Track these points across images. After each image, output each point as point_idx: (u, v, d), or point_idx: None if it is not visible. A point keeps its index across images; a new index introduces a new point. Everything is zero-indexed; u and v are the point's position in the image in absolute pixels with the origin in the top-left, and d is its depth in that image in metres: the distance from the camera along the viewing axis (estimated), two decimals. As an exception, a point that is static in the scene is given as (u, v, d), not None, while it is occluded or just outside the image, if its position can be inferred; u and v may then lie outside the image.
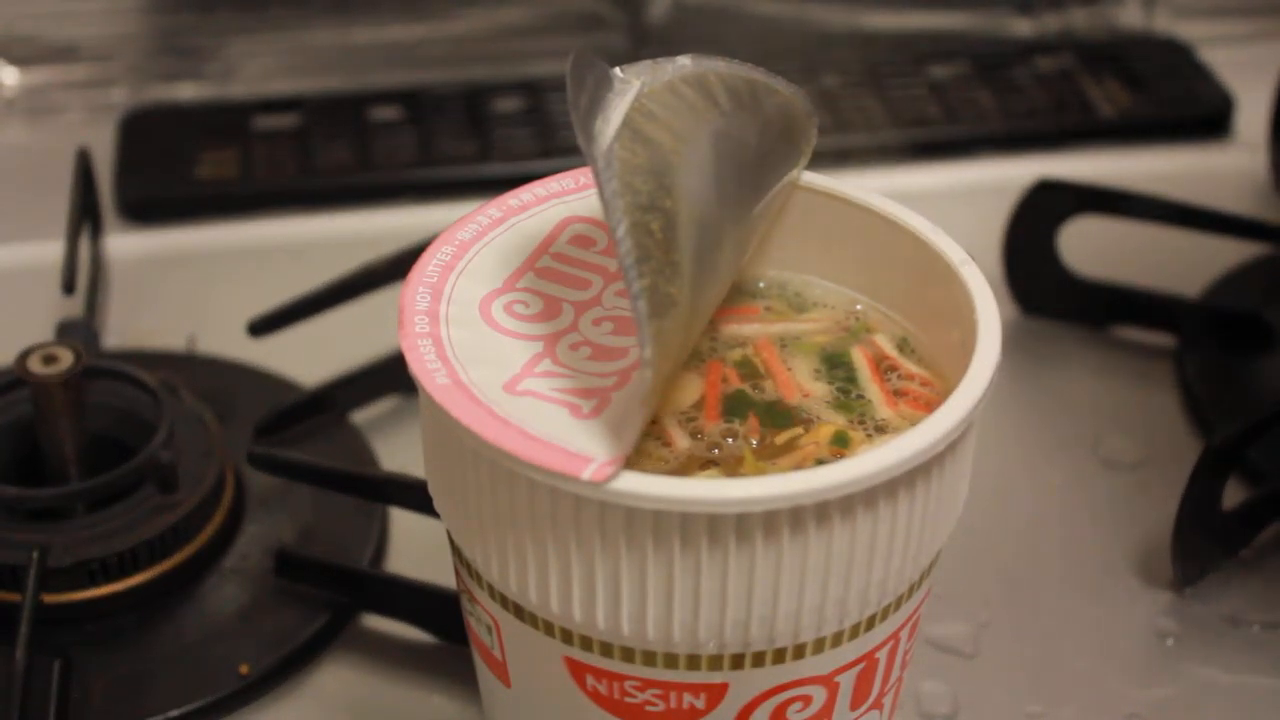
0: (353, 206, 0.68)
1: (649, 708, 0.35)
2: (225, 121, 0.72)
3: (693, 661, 0.34)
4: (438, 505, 0.37)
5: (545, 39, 0.80)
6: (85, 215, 0.63)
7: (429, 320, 0.35)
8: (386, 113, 0.72)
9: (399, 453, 0.54)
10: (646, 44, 0.80)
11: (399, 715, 0.46)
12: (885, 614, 0.35)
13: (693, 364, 0.37)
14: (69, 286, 0.58)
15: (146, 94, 0.76)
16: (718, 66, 0.37)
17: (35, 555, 0.46)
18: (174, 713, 0.45)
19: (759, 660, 0.34)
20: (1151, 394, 0.58)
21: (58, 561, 0.46)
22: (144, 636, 0.47)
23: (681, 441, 0.35)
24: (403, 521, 0.51)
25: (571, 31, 0.80)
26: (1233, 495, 0.50)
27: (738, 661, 0.34)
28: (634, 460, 0.34)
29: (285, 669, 0.47)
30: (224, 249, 0.66)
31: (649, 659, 0.34)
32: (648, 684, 0.35)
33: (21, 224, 0.66)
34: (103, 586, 0.47)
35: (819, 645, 0.34)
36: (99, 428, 0.50)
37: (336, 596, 0.48)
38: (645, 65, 0.35)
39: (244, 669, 0.46)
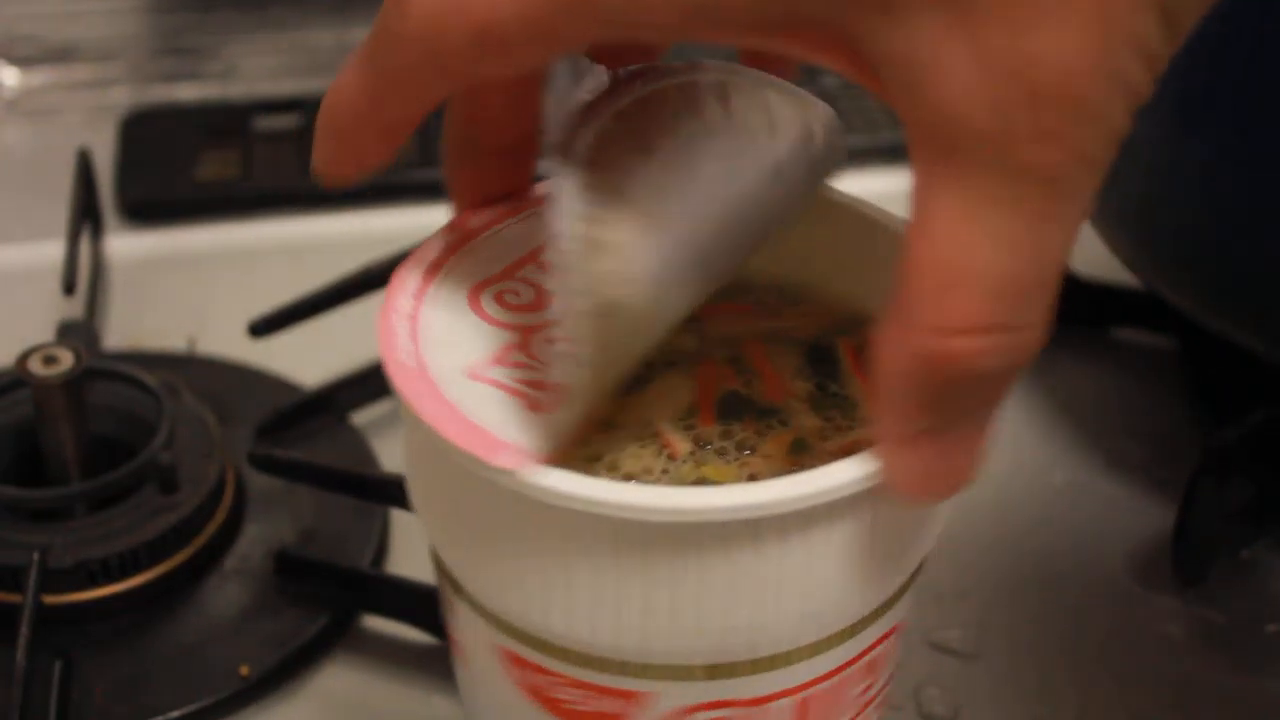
0: (352, 206, 0.68)
1: (574, 706, 0.35)
2: (225, 122, 0.72)
3: (617, 666, 0.33)
4: (407, 477, 0.37)
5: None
6: (85, 216, 0.63)
7: (413, 300, 0.35)
8: (386, 113, 0.72)
9: (399, 453, 0.54)
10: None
11: (399, 715, 0.46)
12: (827, 645, 0.34)
13: (684, 365, 0.37)
14: (69, 287, 0.58)
15: (146, 94, 0.76)
16: (727, 76, 0.36)
17: (36, 556, 0.46)
18: (175, 713, 0.45)
19: (683, 674, 0.33)
20: (1153, 395, 0.58)
21: (58, 562, 0.46)
22: (145, 637, 0.47)
23: (683, 446, 0.35)
24: (403, 522, 0.51)
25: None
26: (1234, 497, 0.50)
27: (661, 672, 0.33)
28: (635, 469, 0.34)
29: (286, 670, 0.47)
30: (224, 249, 0.66)
31: (571, 657, 0.34)
32: (572, 682, 0.34)
33: (22, 224, 0.66)
34: (103, 587, 0.47)
35: (751, 667, 0.33)
36: (100, 429, 0.50)
37: (337, 597, 0.48)
38: (649, 69, 0.35)
39: (245, 670, 0.46)
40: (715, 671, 0.33)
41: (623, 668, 0.33)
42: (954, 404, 0.29)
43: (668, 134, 0.34)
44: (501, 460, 0.31)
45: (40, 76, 0.77)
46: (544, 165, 0.33)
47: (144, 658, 0.46)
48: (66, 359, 0.49)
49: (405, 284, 0.35)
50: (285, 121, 0.72)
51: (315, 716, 0.46)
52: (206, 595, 0.48)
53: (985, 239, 0.27)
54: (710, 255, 0.34)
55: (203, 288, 0.64)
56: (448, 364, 0.34)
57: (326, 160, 0.33)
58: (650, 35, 0.29)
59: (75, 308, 0.59)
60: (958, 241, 0.27)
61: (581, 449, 0.34)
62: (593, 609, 0.32)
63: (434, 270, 0.36)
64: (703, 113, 0.35)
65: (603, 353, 0.32)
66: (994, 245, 0.27)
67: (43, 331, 0.57)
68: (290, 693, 0.47)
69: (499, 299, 0.36)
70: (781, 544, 0.31)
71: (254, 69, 0.78)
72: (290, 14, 0.81)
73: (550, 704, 0.35)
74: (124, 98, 0.76)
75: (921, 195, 0.27)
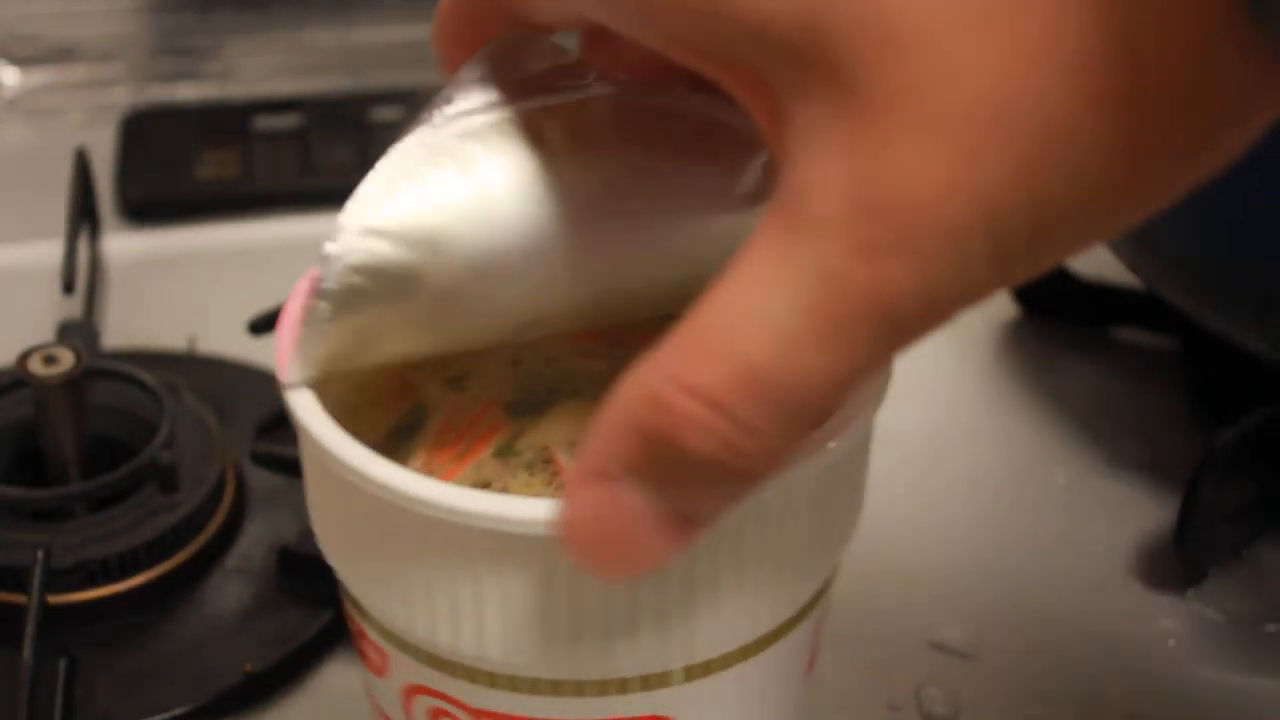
0: (353, 206, 0.68)
1: (361, 646, 0.35)
2: (225, 121, 0.72)
3: (362, 614, 0.34)
4: None
5: (545, 39, 0.80)
6: (83, 215, 0.63)
7: None
8: (386, 113, 0.72)
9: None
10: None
11: (400, 716, 0.46)
12: (547, 690, 0.32)
13: (590, 392, 0.36)
14: (69, 286, 0.58)
15: (146, 94, 0.76)
16: (731, 116, 0.33)
17: (41, 554, 0.46)
18: (179, 711, 0.45)
19: (411, 651, 0.33)
20: (1153, 395, 0.58)
21: (58, 562, 0.46)
22: (148, 636, 0.47)
23: (571, 466, 0.34)
24: (403, 522, 0.51)
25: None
26: (1235, 496, 0.50)
27: (394, 641, 0.33)
28: (514, 484, 0.34)
29: (289, 666, 0.47)
30: (224, 249, 0.66)
31: (345, 594, 0.34)
32: (351, 619, 0.35)
33: (22, 224, 0.66)
34: (104, 587, 0.47)
35: (467, 674, 0.32)
36: (100, 428, 0.50)
37: (340, 594, 0.48)
38: (650, 85, 0.33)
39: (248, 667, 0.46)
40: (433, 661, 0.33)
41: (365, 618, 0.34)
42: (647, 464, 0.26)
43: (605, 143, 0.32)
44: (282, 371, 0.32)
45: (40, 76, 0.77)
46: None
47: (147, 656, 0.46)
48: (67, 359, 0.48)
49: None
50: (285, 121, 0.72)
51: (319, 713, 0.46)
52: (209, 594, 0.48)
53: (767, 321, 0.25)
54: (590, 282, 0.33)
55: (203, 287, 0.64)
56: None
57: (440, 62, 0.33)
58: (615, 25, 0.28)
59: (75, 307, 0.59)
60: (743, 307, 0.25)
61: (473, 473, 0.34)
62: (343, 553, 0.33)
63: None
64: (664, 141, 0.32)
65: (352, 304, 0.31)
66: (770, 332, 0.25)
67: (43, 331, 0.57)
68: (294, 690, 0.47)
69: None
70: (471, 554, 0.30)
71: (254, 69, 0.78)
72: (290, 14, 0.82)
73: (355, 637, 0.36)
74: (124, 98, 0.76)
75: (750, 250, 0.25)
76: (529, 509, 0.29)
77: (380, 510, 0.31)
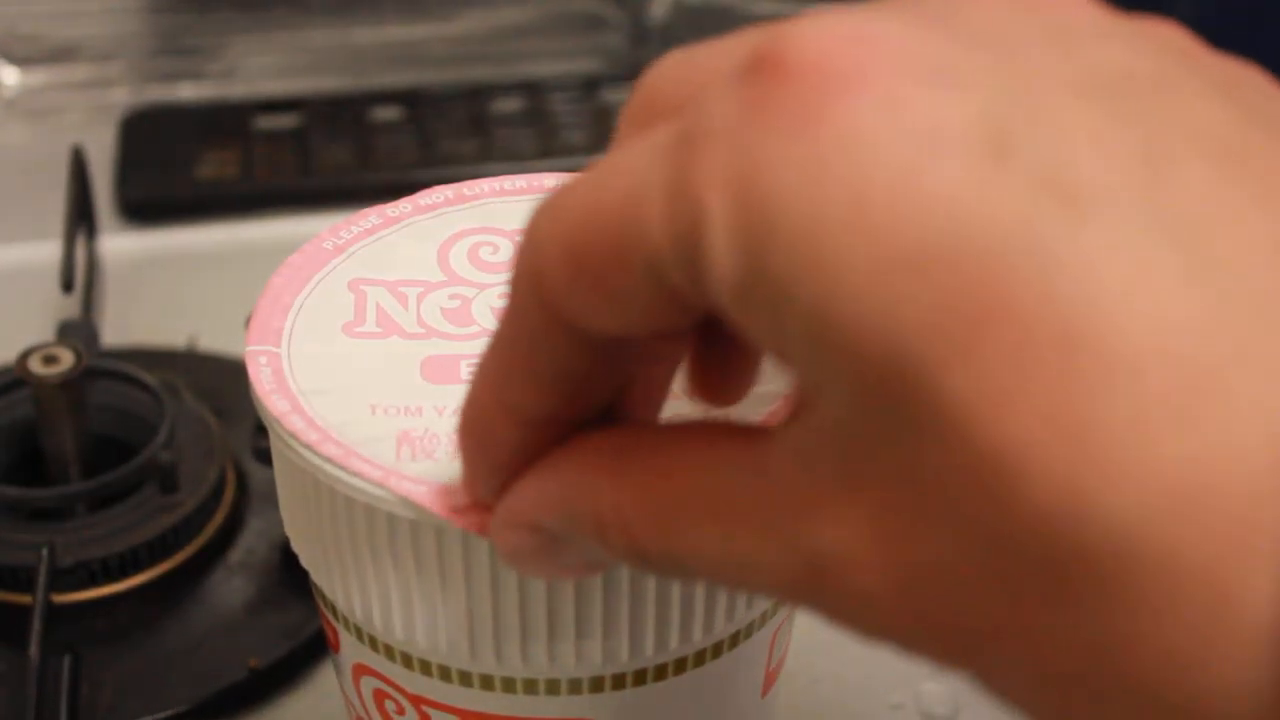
0: (352, 206, 0.68)
1: (321, 616, 0.35)
2: (225, 121, 0.72)
3: (319, 592, 0.34)
4: None
5: (545, 39, 0.80)
6: (81, 214, 0.63)
7: (377, 219, 0.36)
8: (386, 113, 0.72)
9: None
10: (646, 44, 0.80)
11: (400, 715, 0.46)
12: (460, 679, 0.32)
13: None
14: (68, 285, 0.58)
15: (146, 94, 0.76)
16: None
17: (45, 553, 0.46)
18: (185, 707, 0.45)
19: (356, 634, 0.33)
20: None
21: (59, 562, 0.46)
22: (152, 633, 0.47)
23: None
24: (403, 521, 0.51)
25: (571, 31, 0.80)
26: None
27: (340, 618, 0.33)
28: None
29: (294, 662, 0.47)
30: (224, 249, 0.66)
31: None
32: (310, 593, 0.35)
33: (22, 224, 0.66)
34: (104, 586, 0.47)
35: (404, 661, 0.32)
36: (100, 428, 0.50)
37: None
38: None
39: (254, 662, 0.46)
40: (373, 643, 0.32)
41: (317, 591, 0.34)
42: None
43: None
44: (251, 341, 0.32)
45: (40, 76, 0.77)
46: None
47: (152, 653, 0.46)
48: (66, 358, 0.49)
49: (383, 211, 0.36)
50: (285, 121, 0.72)
51: (325, 707, 0.46)
52: (212, 591, 0.48)
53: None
54: None
55: (203, 287, 0.64)
56: (346, 277, 0.34)
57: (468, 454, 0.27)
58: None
59: (75, 307, 0.59)
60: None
61: None
62: (289, 519, 0.33)
63: (426, 209, 0.36)
64: None
65: None
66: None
67: (43, 331, 0.57)
68: (298, 685, 0.47)
69: (473, 252, 0.35)
70: (398, 538, 0.30)
71: (254, 69, 0.78)
72: (290, 14, 0.82)
73: (318, 611, 0.35)
74: (124, 98, 0.76)
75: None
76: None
77: (307, 480, 0.30)
